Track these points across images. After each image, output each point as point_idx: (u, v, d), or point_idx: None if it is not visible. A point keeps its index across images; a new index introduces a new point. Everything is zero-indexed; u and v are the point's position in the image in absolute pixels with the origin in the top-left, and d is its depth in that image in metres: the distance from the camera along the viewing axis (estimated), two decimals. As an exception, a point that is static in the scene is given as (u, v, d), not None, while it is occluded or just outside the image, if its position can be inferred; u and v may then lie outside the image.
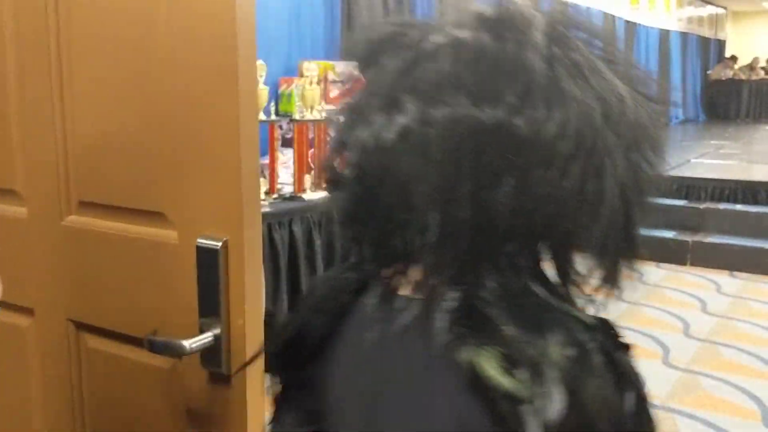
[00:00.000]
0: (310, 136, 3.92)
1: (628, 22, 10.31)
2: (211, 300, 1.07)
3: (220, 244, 1.05)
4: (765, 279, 5.17)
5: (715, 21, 15.52)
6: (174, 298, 1.13)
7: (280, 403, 0.91)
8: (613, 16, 9.67)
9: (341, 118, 0.74)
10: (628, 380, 0.67)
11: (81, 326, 1.27)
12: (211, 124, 1.05)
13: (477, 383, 0.65)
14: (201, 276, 1.08)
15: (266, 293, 3.38)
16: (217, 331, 1.07)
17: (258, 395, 1.09)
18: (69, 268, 1.26)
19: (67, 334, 1.28)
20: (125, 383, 1.23)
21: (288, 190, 3.79)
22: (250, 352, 1.07)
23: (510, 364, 0.64)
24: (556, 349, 0.64)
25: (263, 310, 1.12)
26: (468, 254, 0.67)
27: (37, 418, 1.36)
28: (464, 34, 0.68)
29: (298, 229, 3.58)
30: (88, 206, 1.23)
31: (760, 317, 4.38)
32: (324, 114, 4.04)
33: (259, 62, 3.62)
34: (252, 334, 1.08)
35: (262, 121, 3.58)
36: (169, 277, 1.13)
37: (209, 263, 1.06)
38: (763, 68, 14.34)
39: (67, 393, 1.30)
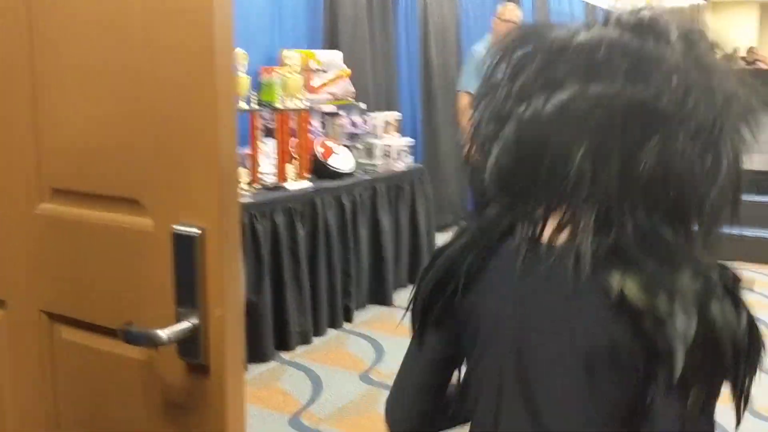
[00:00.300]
0: (292, 125, 3.89)
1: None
2: (189, 289, 1.04)
3: (197, 231, 1.02)
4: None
5: (696, 11, 15.58)
6: (150, 287, 1.10)
7: (426, 327, 1.03)
8: (594, 6, 9.67)
9: (496, 99, 0.91)
10: (742, 306, 0.83)
11: (54, 317, 1.23)
12: (187, 110, 1.03)
13: (624, 304, 0.82)
14: (178, 264, 1.05)
15: (249, 283, 3.36)
16: (195, 321, 1.04)
17: (237, 385, 1.06)
18: (42, 258, 1.23)
19: (40, 325, 1.25)
20: (101, 375, 1.20)
21: (270, 180, 3.75)
22: (229, 342, 1.05)
23: (650, 290, 0.81)
24: (686, 280, 0.81)
25: (243, 300, 1.09)
26: (613, 203, 0.84)
27: (10, 413, 1.32)
28: (611, 32, 0.87)
29: (280, 220, 3.56)
30: (61, 194, 1.19)
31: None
32: (305, 102, 4.01)
33: (240, 51, 3.57)
34: (231, 324, 1.05)
35: (243, 111, 3.54)
36: (145, 266, 1.10)
37: (186, 251, 1.04)
38: (743, 58, 14.42)
39: (42, 386, 1.27)
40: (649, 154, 0.82)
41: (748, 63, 14.33)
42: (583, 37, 0.87)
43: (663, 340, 0.80)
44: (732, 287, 0.84)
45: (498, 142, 0.89)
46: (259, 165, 3.74)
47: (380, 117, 4.64)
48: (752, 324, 0.83)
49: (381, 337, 3.83)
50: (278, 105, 3.85)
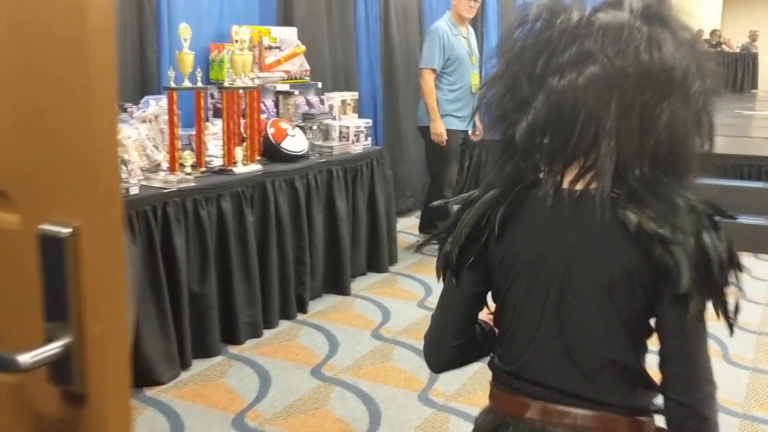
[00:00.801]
0: (242, 105, 3.67)
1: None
2: (59, 301, 0.85)
3: (66, 231, 0.83)
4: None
5: (661, -6, 15.54)
6: (16, 298, 0.91)
7: (462, 269, 1.19)
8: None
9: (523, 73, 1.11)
10: (723, 233, 1.05)
11: None
12: (57, 92, 0.84)
13: (641, 235, 1.04)
14: (46, 271, 0.86)
15: (193, 273, 3.15)
16: (68, 339, 0.85)
17: (121, 416, 0.88)
18: None
19: None
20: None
21: (217, 163, 3.54)
22: (110, 365, 0.86)
23: (659, 222, 1.03)
24: (684, 215, 1.04)
25: (130, 314, 0.91)
26: (628, 156, 1.06)
27: None
28: (625, 16, 1.08)
29: (227, 205, 3.35)
30: None
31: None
32: (257, 81, 3.79)
33: (184, 26, 3.34)
34: (113, 343, 0.87)
35: (186, 89, 3.31)
36: (10, 271, 0.91)
37: (55, 255, 0.85)
38: (706, 41, 14.49)
39: None
40: (659, 117, 1.05)
41: (712, 45, 14.44)
42: (604, 19, 1.09)
43: (672, 261, 1.03)
44: (715, 218, 1.07)
45: (531, 108, 1.10)
46: (206, 147, 3.52)
47: (337, 97, 4.44)
48: (731, 247, 1.06)
49: (336, 329, 3.66)
50: (227, 83, 3.63)
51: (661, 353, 1.11)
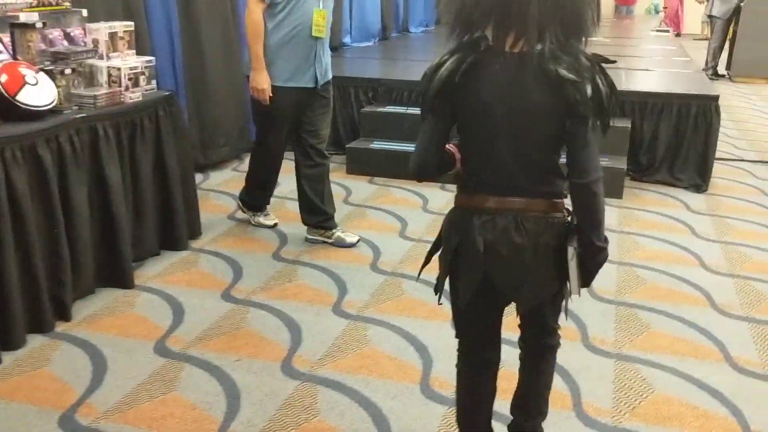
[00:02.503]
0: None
1: None
2: None
3: None
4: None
5: None
6: None
7: (438, 107, 1.67)
8: None
9: None
10: (608, 76, 1.60)
11: None
12: None
13: (558, 79, 1.54)
14: None
15: None
16: None
17: None
18: None
19: None
20: None
21: None
22: None
23: (570, 70, 1.54)
24: (584, 64, 1.55)
25: None
26: (545, 26, 1.54)
27: None
28: None
29: None
30: None
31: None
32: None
33: None
34: None
35: None
36: None
37: None
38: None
39: None
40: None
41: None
42: None
43: (578, 95, 1.54)
44: (602, 65, 1.60)
45: None
46: None
47: (103, 28, 3.37)
48: (612, 85, 1.59)
49: (109, 342, 2.77)
50: None
51: (568, 154, 1.63)
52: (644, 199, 4.78)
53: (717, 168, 5.39)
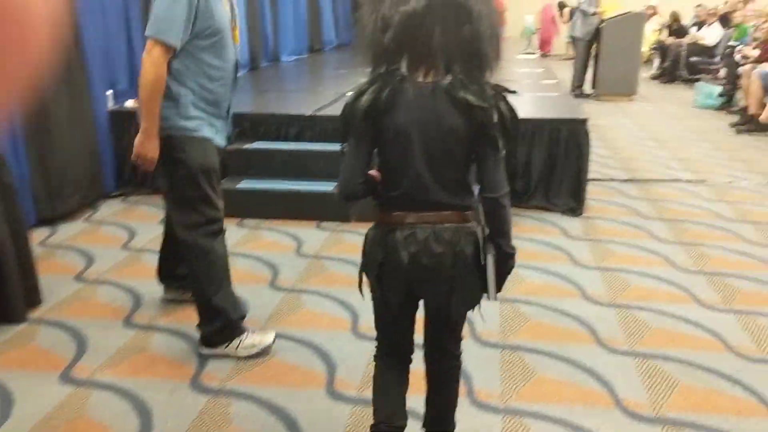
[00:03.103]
0: None
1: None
2: None
3: None
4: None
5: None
6: None
7: (361, 134, 1.82)
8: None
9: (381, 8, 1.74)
10: (510, 104, 1.78)
11: None
12: None
13: (467, 106, 1.72)
14: None
15: None
16: None
17: None
18: None
19: None
20: None
21: None
22: None
23: (477, 97, 1.71)
24: (489, 92, 1.73)
25: None
26: (451, 59, 1.74)
27: None
28: None
29: None
30: None
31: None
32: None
33: None
34: None
35: None
36: None
37: None
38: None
39: None
40: (467, 31, 1.71)
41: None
42: None
43: (486, 119, 1.72)
44: (504, 94, 1.78)
45: (393, 26, 1.71)
46: None
47: None
48: (513, 111, 1.77)
49: None
50: None
51: (479, 172, 1.81)
52: (522, 226, 4.69)
53: (591, 189, 5.42)
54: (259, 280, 3.78)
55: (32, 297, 3.38)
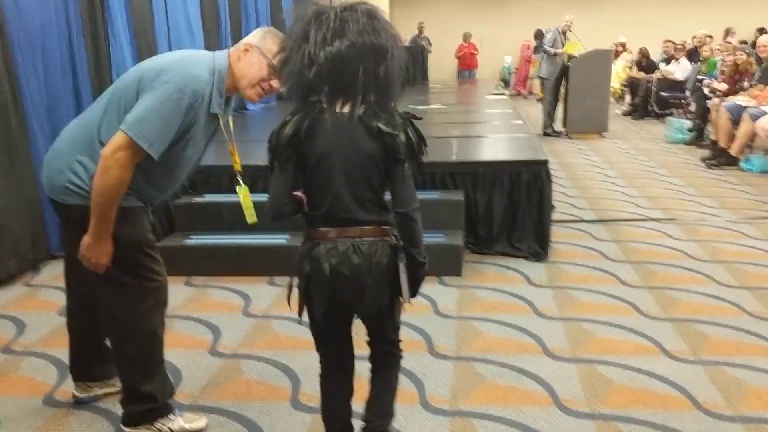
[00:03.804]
0: None
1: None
2: None
3: None
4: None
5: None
6: None
7: (285, 161, 2.01)
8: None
9: (304, 48, 1.92)
10: (416, 129, 2.04)
11: None
12: None
13: (379, 132, 1.96)
14: None
15: None
16: None
17: None
18: None
19: None
20: None
21: None
22: None
23: (388, 125, 1.97)
24: (398, 120, 1.99)
25: None
26: (367, 93, 1.96)
27: None
28: (355, 15, 1.92)
29: None
30: None
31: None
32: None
33: None
34: None
35: None
36: None
37: None
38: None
39: None
40: (383, 69, 1.92)
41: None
42: (348, 16, 1.91)
43: (395, 144, 1.95)
44: (412, 120, 2.03)
45: (318, 63, 1.89)
46: None
47: None
48: (420, 135, 2.02)
49: None
50: None
51: (391, 190, 2.03)
52: (484, 274, 4.48)
53: (557, 231, 5.24)
54: (199, 344, 3.52)
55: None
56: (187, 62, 2.39)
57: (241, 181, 2.75)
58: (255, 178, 5.04)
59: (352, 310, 2.15)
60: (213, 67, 2.43)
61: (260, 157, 6.00)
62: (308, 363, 3.25)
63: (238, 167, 2.78)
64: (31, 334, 3.71)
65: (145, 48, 6.65)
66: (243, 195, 2.74)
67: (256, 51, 2.45)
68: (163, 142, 2.31)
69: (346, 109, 1.97)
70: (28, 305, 4.16)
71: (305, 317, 2.16)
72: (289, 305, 2.18)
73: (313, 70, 1.89)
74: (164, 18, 7.35)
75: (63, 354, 3.41)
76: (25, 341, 3.62)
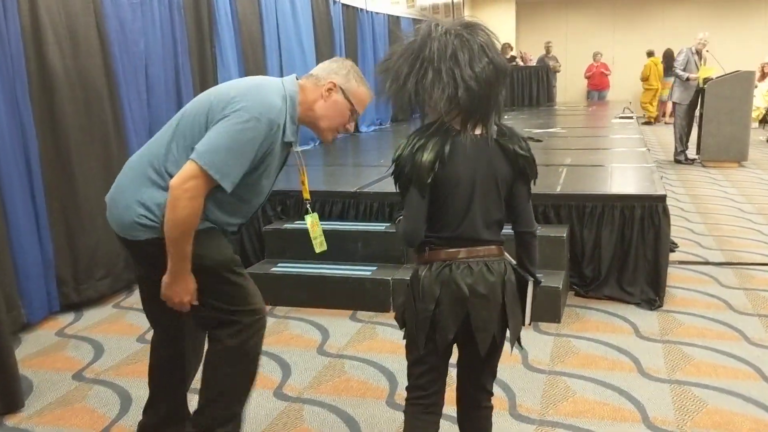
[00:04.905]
0: None
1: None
2: None
3: None
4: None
5: (452, 8, 14.98)
6: None
7: (425, 185, 1.95)
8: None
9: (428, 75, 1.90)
10: (527, 143, 2.09)
11: None
12: None
13: (514, 154, 2.01)
14: None
15: None
16: None
17: None
18: None
19: None
20: None
21: None
22: None
23: (520, 147, 2.03)
24: (528, 145, 2.08)
25: None
26: (497, 115, 2.00)
27: None
28: (482, 34, 1.95)
29: None
30: None
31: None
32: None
33: None
34: None
35: None
36: None
37: None
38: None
39: None
40: (502, 93, 1.97)
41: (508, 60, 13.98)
42: (473, 33, 1.93)
43: (527, 165, 2.02)
44: (522, 137, 2.06)
45: (448, 87, 1.88)
46: None
47: None
48: (530, 151, 2.05)
49: None
50: None
51: (516, 210, 2.08)
52: (586, 322, 4.03)
53: (677, 274, 4.70)
54: (265, 384, 3.34)
55: (11, 400, 3.08)
56: (261, 89, 2.24)
57: (309, 209, 2.60)
58: (332, 203, 4.89)
59: (468, 341, 2.04)
60: (284, 93, 2.27)
61: (338, 183, 5.85)
62: (374, 413, 2.98)
63: (306, 195, 2.62)
64: (105, 359, 3.67)
65: (254, 70, 6.67)
66: (311, 223, 2.60)
67: (341, 93, 2.32)
68: (236, 173, 2.17)
69: (477, 131, 1.98)
70: (112, 328, 4.15)
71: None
72: (408, 342, 2.11)
73: (462, 96, 1.88)
74: (276, 39, 7.37)
75: (129, 384, 3.33)
76: (98, 368, 3.57)
